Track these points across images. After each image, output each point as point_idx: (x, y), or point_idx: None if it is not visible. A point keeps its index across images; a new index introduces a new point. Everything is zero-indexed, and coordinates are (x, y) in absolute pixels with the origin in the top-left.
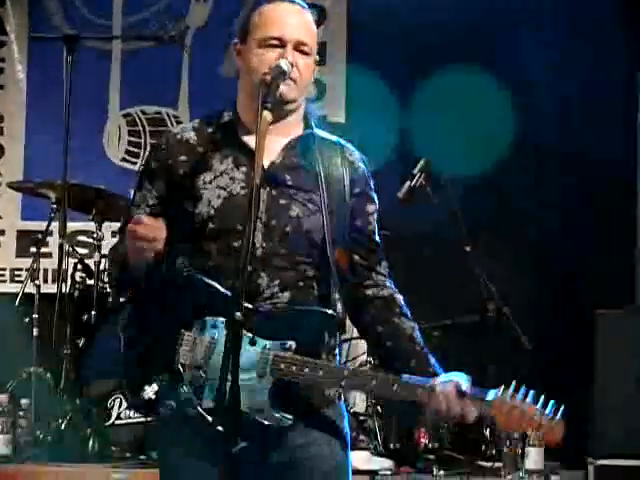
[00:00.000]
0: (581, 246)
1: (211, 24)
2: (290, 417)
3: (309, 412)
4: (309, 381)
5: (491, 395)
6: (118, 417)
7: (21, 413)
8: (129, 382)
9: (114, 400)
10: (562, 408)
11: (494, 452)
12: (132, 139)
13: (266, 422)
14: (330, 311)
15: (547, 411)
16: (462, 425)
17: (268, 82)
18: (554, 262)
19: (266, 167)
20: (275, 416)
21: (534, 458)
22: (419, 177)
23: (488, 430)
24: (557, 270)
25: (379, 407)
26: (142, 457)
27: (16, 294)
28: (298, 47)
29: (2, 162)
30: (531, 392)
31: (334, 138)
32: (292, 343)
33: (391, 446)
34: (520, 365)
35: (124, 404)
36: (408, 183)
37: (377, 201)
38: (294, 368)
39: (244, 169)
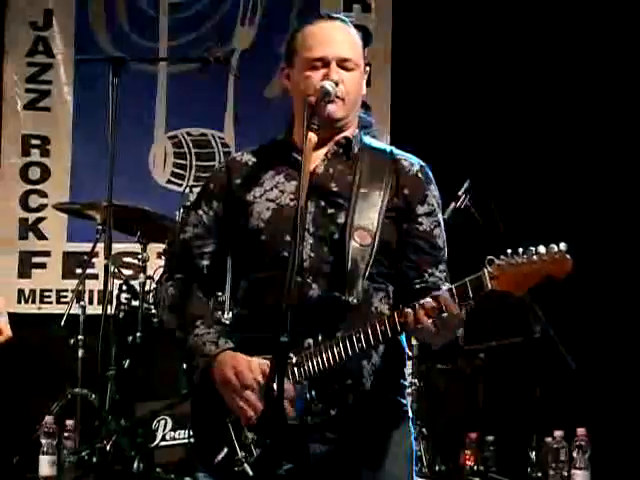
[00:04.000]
0: (628, 264)
1: (257, 47)
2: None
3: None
4: (335, 363)
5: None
6: (163, 438)
7: (66, 434)
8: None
9: (159, 421)
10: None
11: (540, 474)
12: (178, 161)
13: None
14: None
15: (546, 250)
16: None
17: (313, 104)
18: (599, 282)
19: (313, 178)
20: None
21: None
22: (464, 198)
23: (534, 452)
24: (602, 291)
25: (424, 429)
26: (187, 478)
27: (62, 315)
28: (342, 64)
29: (48, 184)
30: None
31: (384, 145)
32: (309, 340)
33: (436, 468)
34: (565, 385)
35: (169, 425)
36: (453, 204)
37: (435, 204)
38: (314, 360)
39: (294, 182)
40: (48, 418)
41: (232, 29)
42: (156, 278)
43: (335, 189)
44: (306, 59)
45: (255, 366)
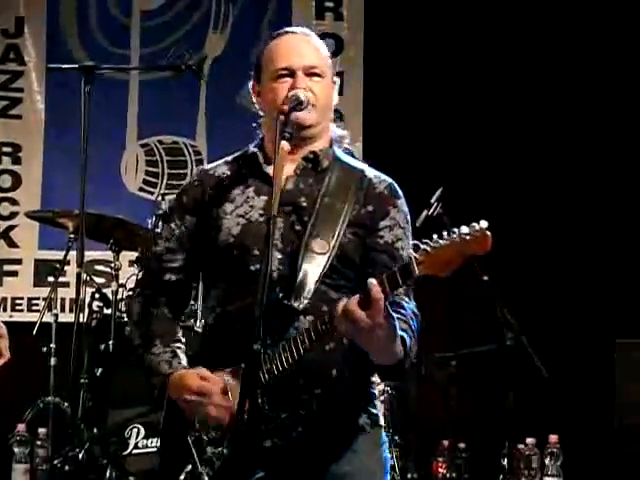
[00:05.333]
0: (600, 275)
1: (228, 54)
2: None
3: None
4: (285, 368)
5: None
6: (135, 446)
7: (39, 442)
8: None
9: (131, 429)
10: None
11: None
12: (150, 169)
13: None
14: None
15: (467, 229)
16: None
17: (286, 112)
18: (573, 290)
19: (282, 194)
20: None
21: None
22: (436, 206)
23: (506, 460)
24: (575, 299)
25: (396, 437)
26: None
27: (34, 323)
28: (309, 71)
29: (20, 191)
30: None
31: (357, 163)
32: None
33: (409, 476)
34: (537, 393)
35: (142, 433)
36: (425, 212)
37: (399, 219)
38: (274, 363)
39: (264, 197)
40: (20, 426)
41: (204, 36)
42: (128, 286)
43: (304, 204)
44: (272, 71)
45: (211, 379)
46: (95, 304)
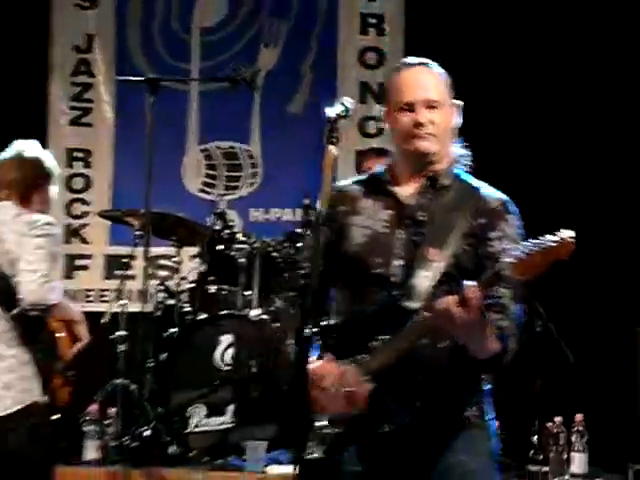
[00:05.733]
0: (623, 267)
1: (279, 67)
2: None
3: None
4: (395, 358)
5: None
6: (197, 425)
7: (109, 421)
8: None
9: (193, 409)
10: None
11: (541, 457)
12: (209, 172)
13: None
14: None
15: (555, 238)
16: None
17: (333, 120)
18: (597, 281)
19: (404, 209)
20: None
21: (578, 463)
22: None
23: (536, 437)
24: (600, 289)
25: None
26: (218, 461)
27: (104, 313)
28: (428, 105)
29: (91, 193)
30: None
31: (476, 182)
32: (374, 343)
33: None
34: (564, 376)
35: (202, 413)
36: None
37: (509, 232)
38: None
39: (389, 211)
40: (92, 407)
41: (257, 51)
42: (189, 278)
43: (421, 218)
44: (396, 103)
45: (333, 369)
46: (159, 295)
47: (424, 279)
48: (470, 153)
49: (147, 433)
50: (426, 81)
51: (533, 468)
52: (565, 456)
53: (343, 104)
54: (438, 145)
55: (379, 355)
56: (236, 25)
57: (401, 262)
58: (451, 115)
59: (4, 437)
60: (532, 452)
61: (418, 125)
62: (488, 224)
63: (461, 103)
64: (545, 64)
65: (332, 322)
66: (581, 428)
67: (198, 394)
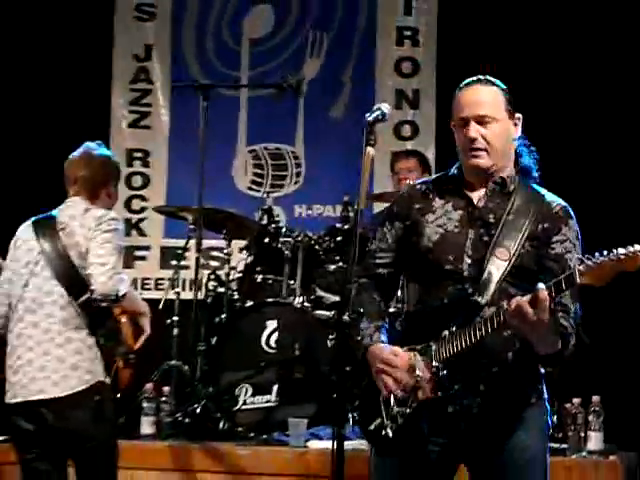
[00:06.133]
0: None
1: (322, 75)
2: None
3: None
4: (465, 348)
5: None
6: (244, 403)
7: (164, 399)
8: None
9: (241, 389)
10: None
11: (560, 435)
12: (256, 171)
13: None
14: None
15: (625, 251)
16: None
17: (371, 124)
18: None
19: (475, 211)
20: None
21: (595, 441)
22: None
23: (556, 417)
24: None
25: None
26: (263, 436)
27: (159, 300)
28: (479, 121)
29: (148, 190)
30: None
31: (538, 188)
32: (445, 332)
33: None
34: (582, 359)
35: (249, 392)
36: None
37: (570, 235)
38: (448, 346)
39: (460, 212)
40: (148, 385)
41: (302, 60)
42: (239, 269)
43: (492, 220)
44: (456, 118)
45: (400, 354)
46: (210, 284)
47: (492, 276)
48: (537, 163)
49: (198, 410)
50: (479, 98)
51: (553, 445)
52: (582, 434)
53: (380, 109)
54: (492, 160)
55: (449, 345)
56: (282, 37)
57: (471, 260)
58: (508, 128)
59: (70, 415)
60: (552, 431)
61: (471, 140)
62: (551, 228)
63: (520, 116)
64: (573, 69)
65: (403, 310)
66: (597, 409)
67: (245, 375)
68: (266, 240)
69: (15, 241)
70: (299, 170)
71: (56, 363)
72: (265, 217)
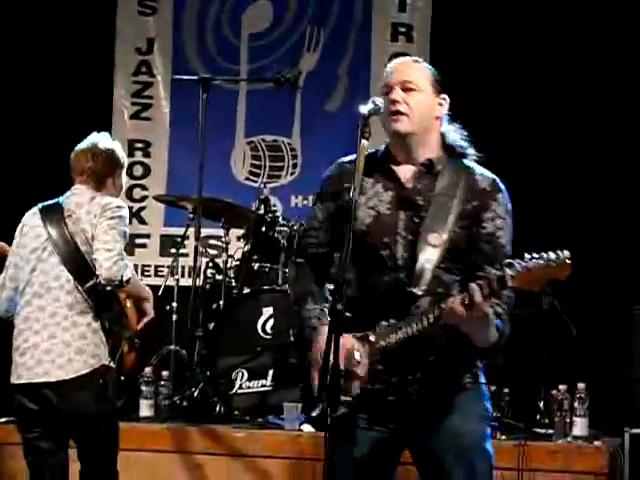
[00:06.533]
0: (622, 250)
1: (319, 69)
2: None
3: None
4: (403, 339)
5: (510, 273)
6: (240, 387)
7: (162, 383)
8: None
9: (237, 373)
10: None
11: (547, 420)
12: (254, 162)
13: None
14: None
15: (555, 257)
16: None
17: (366, 116)
18: (599, 264)
19: (404, 192)
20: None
21: (580, 426)
22: None
23: (542, 402)
24: (601, 271)
25: None
26: (258, 420)
27: (159, 286)
28: (403, 86)
29: (149, 179)
30: (529, 257)
31: (467, 165)
32: (384, 322)
33: None
34: (568, 348)
35: (245, 376)
36: None
37: (500, 211)
38: (394, 335)
39: (390, 193)
40: (147, 369)
41: (300, 54)
42: (236, 257)
43: (420, 202)
44: (381, 89)
45: (346, 343)
46: (209, 271)
47: (426, 263)
48: (469, 143)
49: (196, 394)
50: (405, 68)
51: (540, 430)
52: (568, 420)
53: (374, 103)
54: (411, 126)
55: (386, 337)
56: (280, 31)
57: (405, 241)
58: (432, 104)
59: (74, 396)
60: (539, 416)
61: (393, 102)
62: (480, 205)
63: (447, 98)
64: (565, 66)
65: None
66: (583, 395)
67: (241, 360)
68: (263, 229)
69: (21, 227)
70: (295, 161)
71: (62, 347)
72: (262, 207)
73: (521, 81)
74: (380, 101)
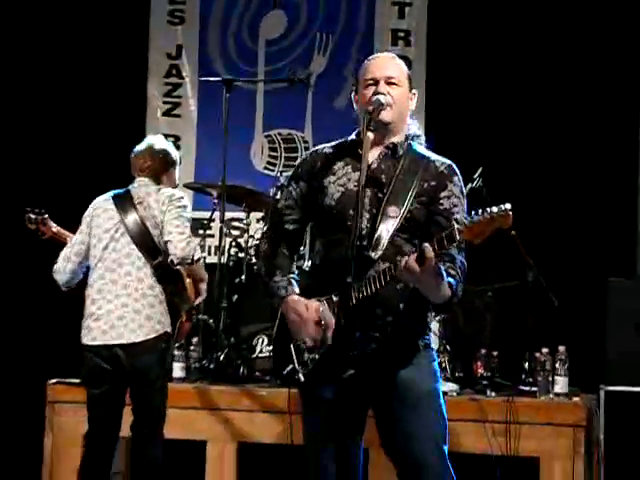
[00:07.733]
0: (592, 222)
1: (328, 70)
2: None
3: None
4: (363, 297)
5: (458, 228)
6: (261, 352)
7: (192, 348)
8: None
9: (258, 339)
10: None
11: (531, 379)
12: (271, 153)
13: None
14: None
15: (497, 209)
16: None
17: (371, 111)
18: (574, 237)
19: (370, 171)
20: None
21: (561, 385)
22: (477, 180)
23: (527, 364)
24: (581, 246)
25: (448, 346)
26: (277, 381)
27: None
28: (388, 81)
29: (179, 169)
30: (478, 212)
31: (426, 152)
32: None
33: (456, 374)
34: (551, 317)
35: (265, 342)
36: (469, 185)
37: (455, 191)
38: (355, 295)
39: (357, 172)
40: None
41: (311, 58)
42: (257, 237)
43: (384, 180)
44: (363, 81)
45: (311, 306)
46: (232, 250)
47: (383, 232)
48: (422, 133)
49: (222, 357)
50: (389, 64)
51: (525, 388)
52: (550, 379)
53: (378, 100)
54: (394, 117)
55: (348, 296)
56: (294, 38)
57: (369, 214)
58: (407, 97)
59: (142, 357)
60: (524, 376)
61: (379, 94)
62: (437, 185)
63: (416, 92)
64: (561, 68)
65: (308, 264)
66: (563, 357)
67: (261, 327)
68: None
69: (94, 210)
70: None
71: (133, 314)
72: (279, 193)
73: (515, 82)
74: (383, 98)
